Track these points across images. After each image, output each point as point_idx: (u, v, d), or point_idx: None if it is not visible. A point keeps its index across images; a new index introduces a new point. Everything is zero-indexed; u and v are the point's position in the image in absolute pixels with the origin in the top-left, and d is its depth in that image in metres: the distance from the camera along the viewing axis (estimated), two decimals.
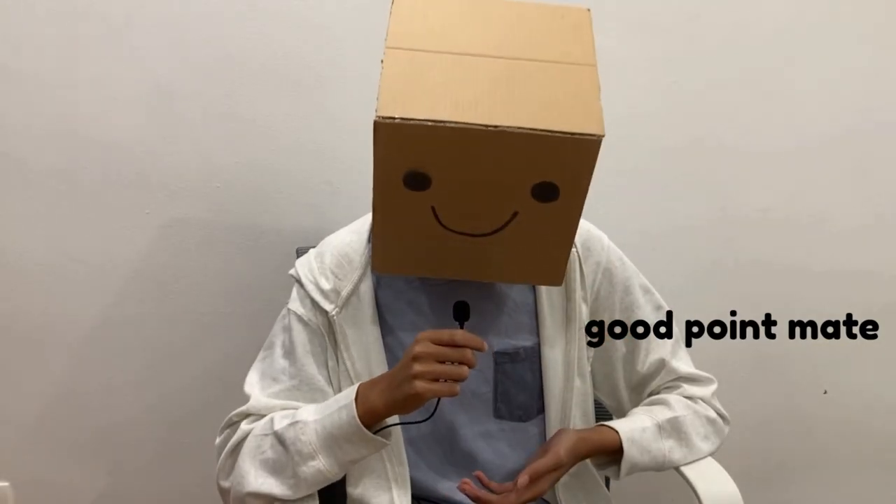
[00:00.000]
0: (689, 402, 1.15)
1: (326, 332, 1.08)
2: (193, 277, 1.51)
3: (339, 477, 1.02)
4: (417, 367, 0.91)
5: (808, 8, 1.44)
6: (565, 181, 0.86)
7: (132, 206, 1.46)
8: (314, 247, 1.15)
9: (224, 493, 1.07)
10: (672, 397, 1.15)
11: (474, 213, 0.90)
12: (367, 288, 1.08)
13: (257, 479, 1.01)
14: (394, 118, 0.82)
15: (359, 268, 1.08)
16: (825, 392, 1.68)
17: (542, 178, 0.86)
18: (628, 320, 1.15)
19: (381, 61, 0.87)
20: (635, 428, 1.09)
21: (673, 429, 1.12)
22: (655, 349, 1.16)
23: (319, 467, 0.99)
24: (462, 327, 0.96)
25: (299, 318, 1.09)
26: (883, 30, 1.47)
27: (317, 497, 1.05)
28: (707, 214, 1.55)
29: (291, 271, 1.12)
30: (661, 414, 1.12)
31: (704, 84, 1.47)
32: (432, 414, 1.00)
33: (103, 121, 1.41)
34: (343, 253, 1.10)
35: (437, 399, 0.97)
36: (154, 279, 1.50)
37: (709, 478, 1.14)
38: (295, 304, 1.10)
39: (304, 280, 1.09)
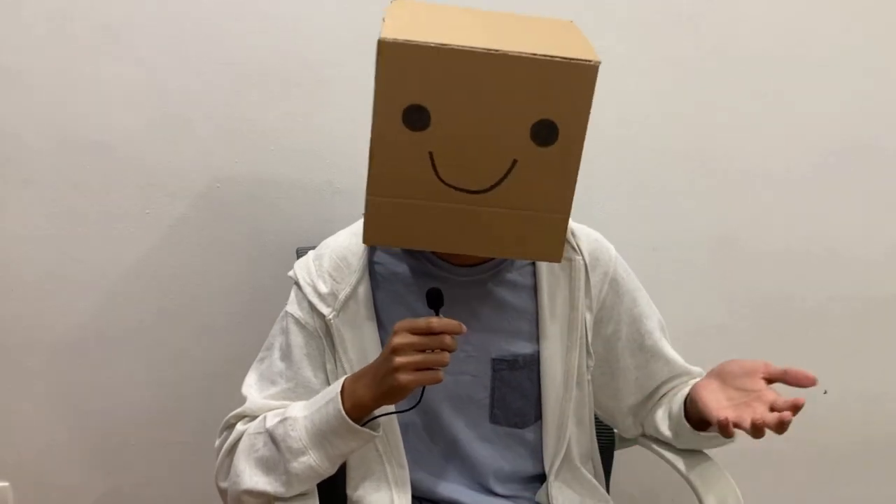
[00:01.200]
0: None
1: (324, 335, 1.08)
2: (193, 277, 1.51)
3: (330, 472, 1.03)
4: (398, 360, 0.92)
5: (811, 12, 1.44)
6: (564, 119, 0.87)
7: (132, 206, 1.46)
8: (314, 247, 1.15)
9: (222, 493, 1.08)
10: None
11: (473, 162, 0.90)
12: (364, 291, 1.08)
13: (252, 478, 1.02)
14: (398, 39, 0.84)
15: (357, 271, 1.08)
16: (825, 392, 1.68)
17: (541, 115, 0.87)
18: (637, 332, 1.15)
19: (383, 19, 0.89)
20: None
21: None
22: (675, 358, 1.17)
23: (310, 463, 0.99)
24: (437, 314, 0.96)
25: (297, 321, 1.09)
26: (888, 36, 1.47)
27: (316, 497, 1.06)
28: (707, 218, 1.55)
29: (290, 273, 1.12)
30: None
31: (706, 87, 1.47)
32: (418, 402, 1.01)
33: (103, 121, 1.41)
34: (341, 256, 1.10)
35: (422, 386, 0.98)
36: (154, 279, 1.50)
37: (709, 477, 1.14)
38: (293, 306, 1.10)
39: (301, 283, 1.09)
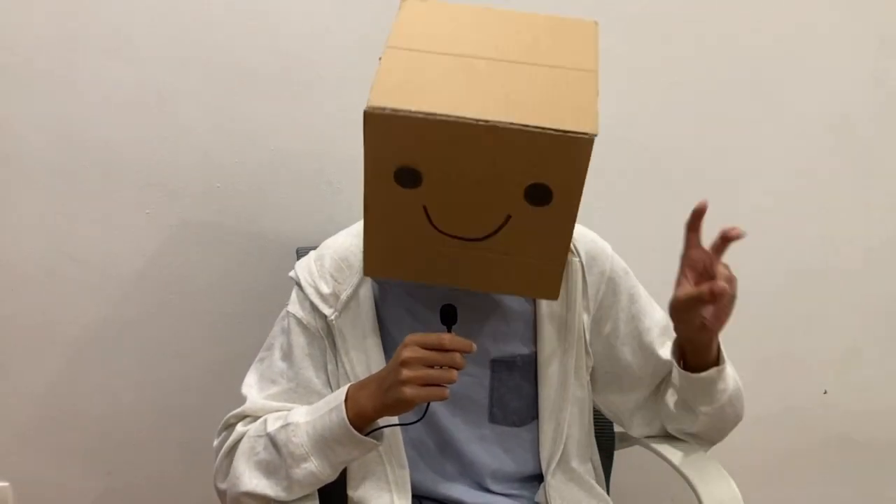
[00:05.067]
0: None
1: (325, 336, 1.08)
2: (193, 277, 1.51)
3: (332, 478, 1.03)
4: (406, 373, 0.91)
5: (809, 9, 1.44)
6: (558, 184, 0.85)
7: (132, 206, 1.46)
8: (314, 247, 1.15)
9: (221, 494, 1.08)
10: None
11: (467, 216, 0.89)
12: (366, 292, 1.08)
13: (251, 481, 1.02)
14: (384, 109, 0.81)
15: (358, 272, 1.08)
16: (825, 392, 1.68)
17: (535, 179, 0.85)
18: (635, 329, 1.15)
19: (380, 59, 0.87)
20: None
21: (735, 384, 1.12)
22: (669, 358, 1.16)
23: (312, 469, 0.99)
24: (450, 331, 0.96)
25: (298, 322, 1.09)
26: (886, 32, 1.47)
27: (316, 498, 1.06)
28: (706, 217, 1.55)
29: (291, 273, 1.12)
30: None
31: (706, 85, 1.47)
32: (423, 416, 1.00)
33: (103, 121, 1.41)
34: (343, 257, 1.10)
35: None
36: (153, 279, 1.51)
37: (709, 477, 1.14)
38: (294, 306, 1.10)
39: (303, 283, 1.09)
